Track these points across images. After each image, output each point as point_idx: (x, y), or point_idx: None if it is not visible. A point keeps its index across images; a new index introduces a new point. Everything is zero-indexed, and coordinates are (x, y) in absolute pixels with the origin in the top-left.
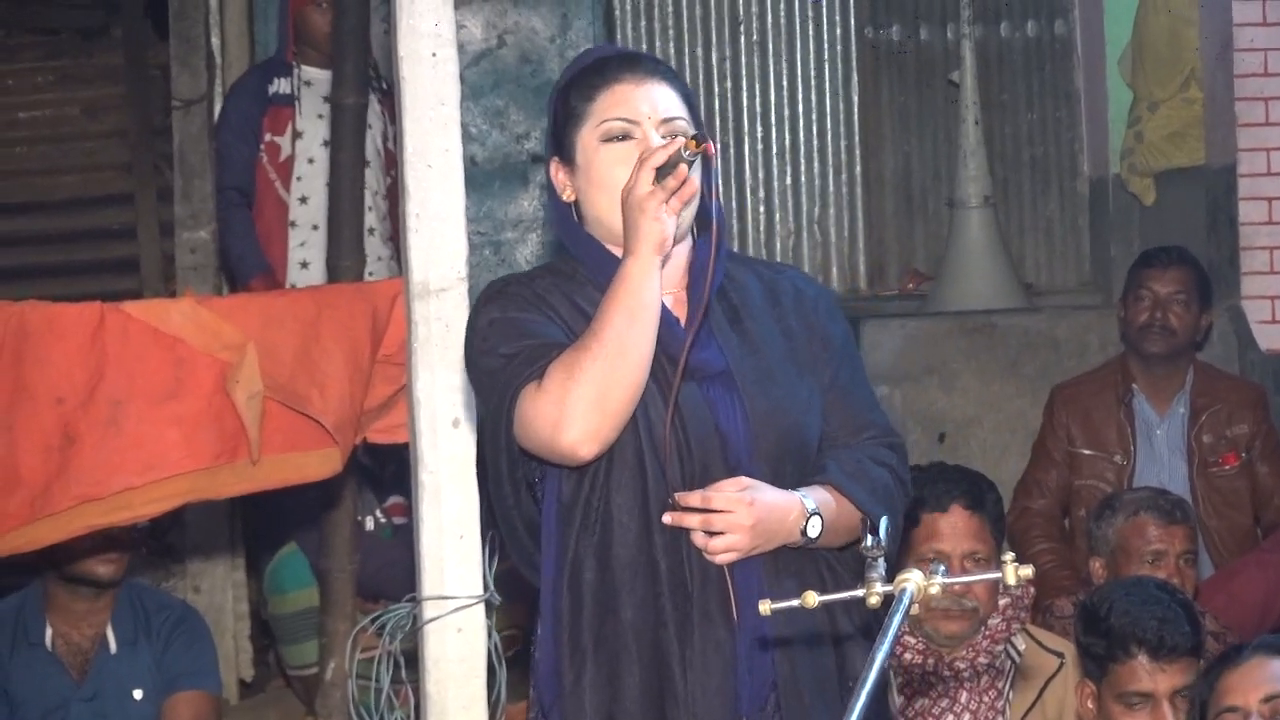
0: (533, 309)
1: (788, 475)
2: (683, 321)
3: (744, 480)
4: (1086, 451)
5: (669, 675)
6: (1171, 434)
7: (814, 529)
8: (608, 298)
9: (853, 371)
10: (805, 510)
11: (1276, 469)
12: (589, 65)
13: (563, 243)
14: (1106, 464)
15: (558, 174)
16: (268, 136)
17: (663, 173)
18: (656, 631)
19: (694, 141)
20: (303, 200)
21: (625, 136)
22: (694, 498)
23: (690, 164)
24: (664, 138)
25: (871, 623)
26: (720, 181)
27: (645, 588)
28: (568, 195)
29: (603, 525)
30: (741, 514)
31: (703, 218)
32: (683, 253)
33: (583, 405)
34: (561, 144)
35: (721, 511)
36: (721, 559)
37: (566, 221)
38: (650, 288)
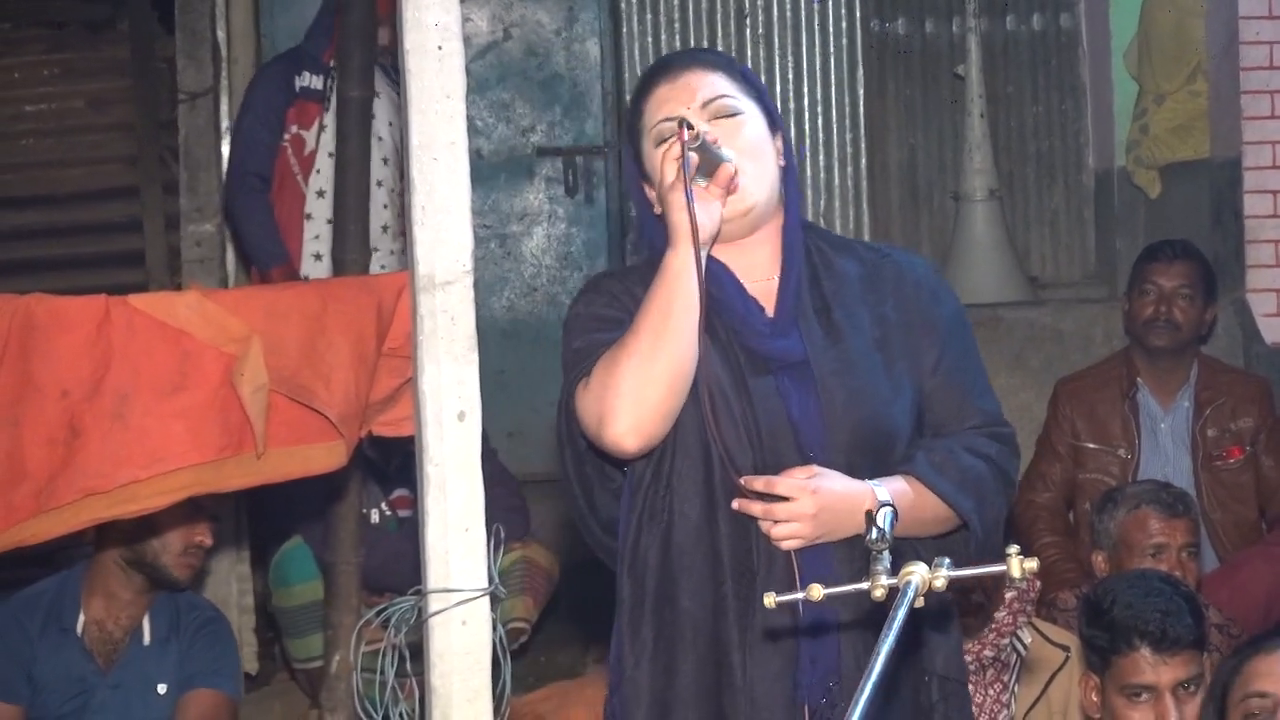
0: (616, 305)
1: (864, 466)
2: (769, 310)
3: (814, 469)
4: (1091, 445)
5: (728, 664)
6: (1176, 427)
7: (884, 521)
8: (649, 293)
9: (962, 355)
10: (877, 501)
11: (1278, 461)
12: (638, 84)
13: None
14: (1111, 458)
15: (649, 193)
16: (293, 129)
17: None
18: (715, 621)
19: (682, 127)
20: (320, 194)
21: (672, 135)
22: (759, 483)
23: (696, 149)
24: (709, 121)
25: (954, 618)
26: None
27: (704, 576)
28: (659, 209)
29: (668, 515)
30: (805, 502)
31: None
32: (773, 237)
33: (623, 400)
34: (640, 164)
35: (785, 499)
36: (784, 545)
37: (659, 235)
38: (687, 280)
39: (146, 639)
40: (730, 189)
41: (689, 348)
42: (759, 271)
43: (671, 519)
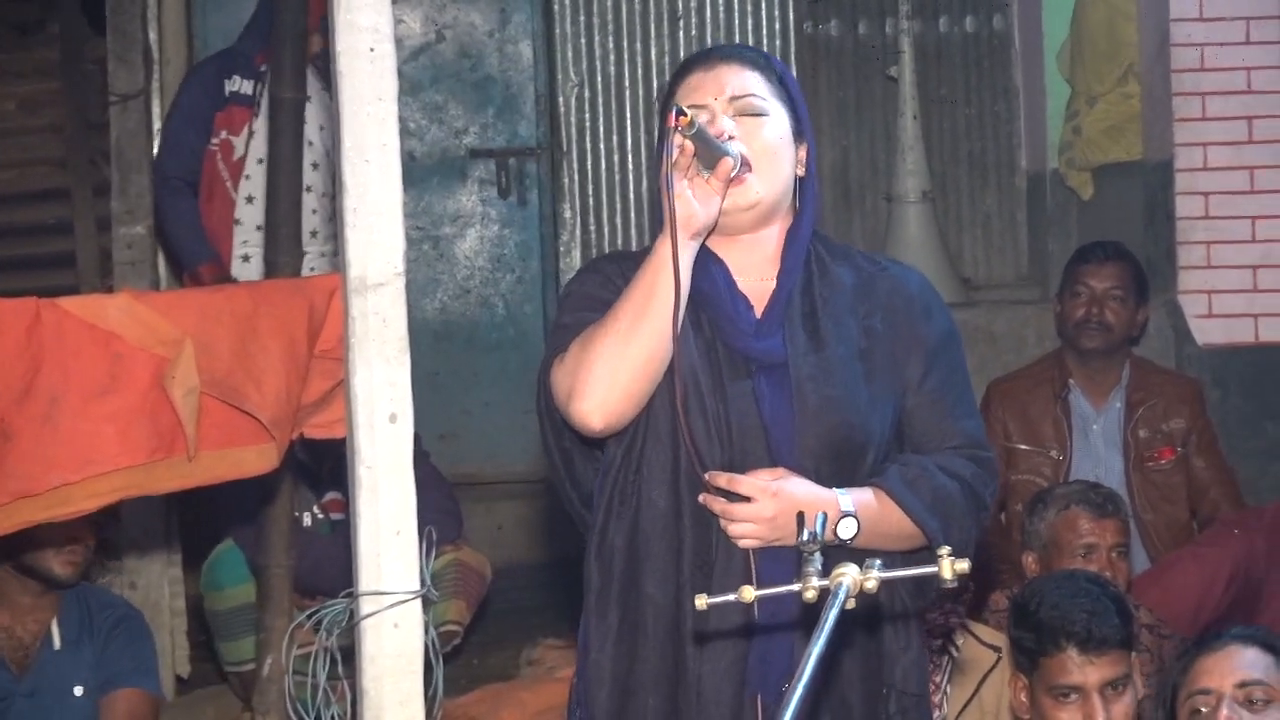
0: (609, 286)
1: (833, 474)
2: (758, 310)
3: (780, 471)
4: (1023, 446)
5: (682, 656)
6: (1108, 428)
7: (846, 531)
8: (635, 276)
9: (948, 375)
10: (840, 510)
11: (1212, 463)
12: (676, 69)
13: None
14: (1043, 459)
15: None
16: (222, 134)
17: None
18: (676, 610)
19: (677, 115)
20: (249, 200)
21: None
22: (722, 479)
23: (690, 137)
24: (734, 117)
25: (916, 635)
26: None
27: (667, 565)
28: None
29: (636, 499)
30: (764, 504)
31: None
32: (775, 240)
33: (593, 377)
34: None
35: (747, 499)
36: (741, 544)
37: None
38: (670, 268)
39: (57, 643)
40: (734, 183)
41: (666, 334)
42: (756, 271)
43: (639, 504)
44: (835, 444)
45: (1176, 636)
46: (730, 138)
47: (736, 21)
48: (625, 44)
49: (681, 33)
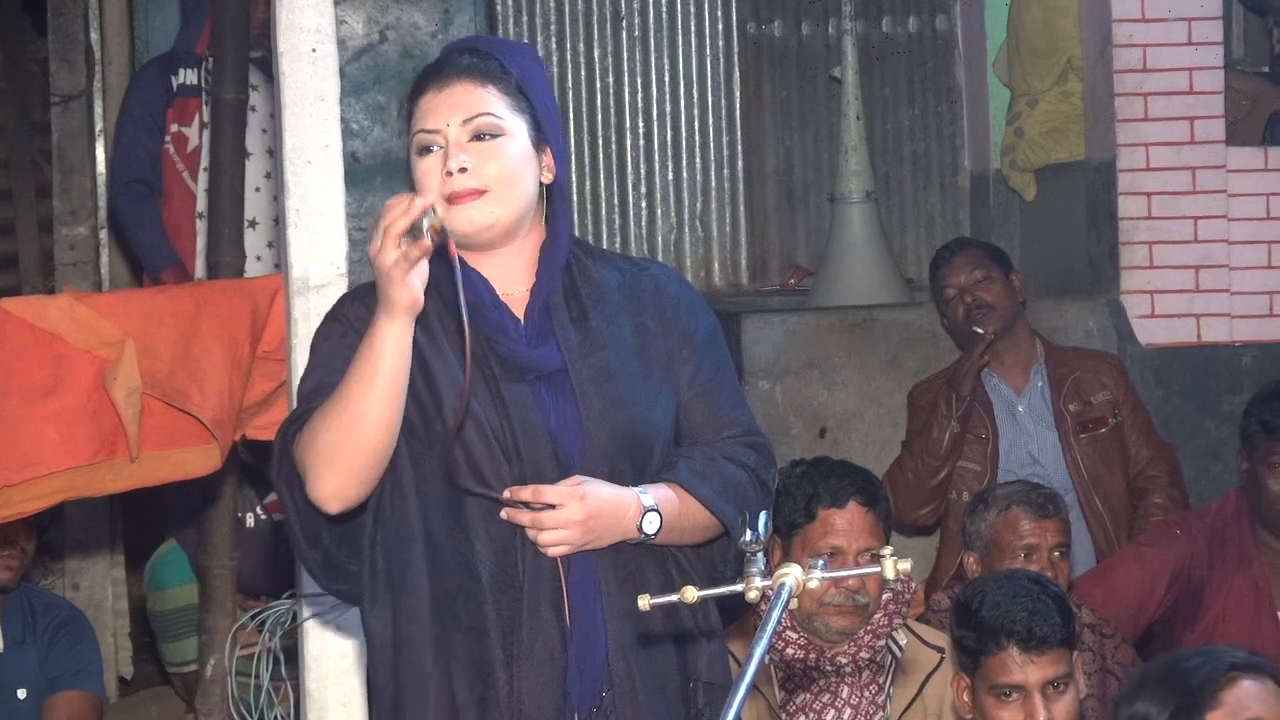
0: (352, 334)
1: (625, 474)
2: (522, 319)
3: (576, 479)
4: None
5: (490, 681)
6: (1034, 406)
7: (651, 525)
8: (355, 359)
9: (717, 369)
10: (642, 506)
11: (1148, 439)
12: (415, 79)
13: None
14: (972, 444)
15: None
16: (174, 128)
17: (413, 234)
18: (480, 639)
19: (437, 227)
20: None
21: (430, 149)
22: (526, 492)
23: (439, 233)
24: (468, 140)
25: (716, 625)
26: (574, 182)
27: (469, 596)
28: None
29: (424, 537)
30: (573, 508)
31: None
32: (530, 249)
33: (321, 466)
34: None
35: (552, 507)
36: (552, 552)
37: None
38: (397, 352)
39: (0, 645)
40: (434, 245)
41: (390, 416)
42: (512, 282)
43: (425, 541)
44: (625, 443)
45: (1119, 636)
46: (450, 172)
47: (679, 22)
48: (568, 45)
49: (624, 33)
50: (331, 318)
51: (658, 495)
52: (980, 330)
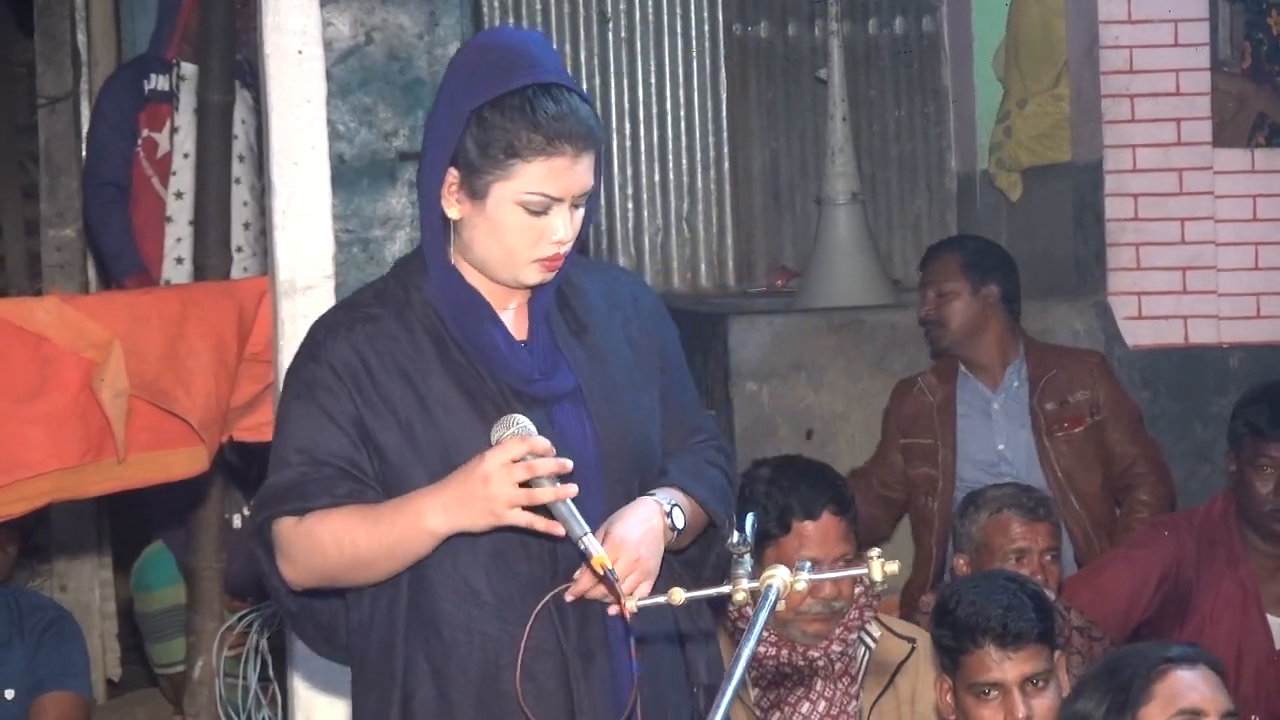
0: (340, 392)
1: (635, 488)
2: (519, 336)
3: (601, 529)
4: (910, 440)
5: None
6: (1009, 404)
7: (679, 520)
8: (386, 524)
9: (683, 376)
10: (663, 506)
11: (1130, 435)
12: (517, 98)
13: (421, 248)
14: (926, 450)
15: (451, 189)
16: (145, 133)
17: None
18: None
19: (599, 561)
20: (179, 196)
21: (543, 211)
22: (584, 583)
23: (604, 570)
24: (570, 208)
25: (712, 626)
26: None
27: (548, 644)
28: (456, 213)
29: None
30: (628, 549)
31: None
32: None
33: (314, 578)
34: (472, 173)
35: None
36: (642, 591)
37: (437, 234)
38: (430, 545)
39: None
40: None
41: (397, 569)
42: (510, 297)
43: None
44: (635, 457)
45: (1107, 638)
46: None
47: (665, 23)
48: (554, 46)
49: (610, 35)
50: (310, 356)
51: (669, 496)
52: None
